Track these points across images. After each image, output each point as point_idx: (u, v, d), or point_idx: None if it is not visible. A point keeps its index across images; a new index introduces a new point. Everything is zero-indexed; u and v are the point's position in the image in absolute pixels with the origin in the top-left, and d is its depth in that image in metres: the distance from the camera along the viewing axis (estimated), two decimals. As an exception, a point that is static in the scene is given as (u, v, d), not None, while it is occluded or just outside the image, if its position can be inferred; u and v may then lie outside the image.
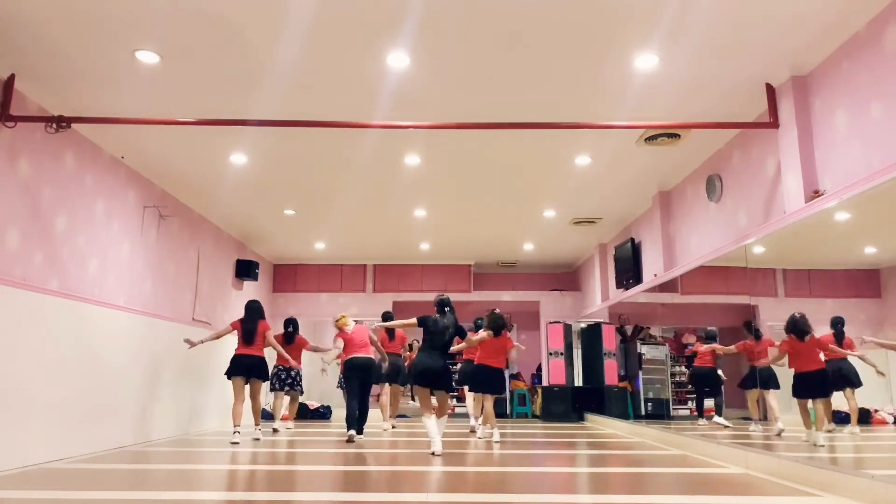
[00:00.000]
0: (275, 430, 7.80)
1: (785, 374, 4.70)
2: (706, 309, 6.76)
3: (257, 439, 6.73)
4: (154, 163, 6.41)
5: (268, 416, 10.45)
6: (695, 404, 6.88)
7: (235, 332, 6.88)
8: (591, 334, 10.26)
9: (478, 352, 6.95)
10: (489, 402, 6.90)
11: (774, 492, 3.61)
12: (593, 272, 10.67)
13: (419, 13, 3.92)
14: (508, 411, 11.49)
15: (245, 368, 6.69)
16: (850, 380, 4.06)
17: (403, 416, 10.80)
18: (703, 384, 6.56)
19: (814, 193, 4.38)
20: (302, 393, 8.54)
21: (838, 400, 4.18)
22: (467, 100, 5.09)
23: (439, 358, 5.67)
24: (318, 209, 8.17)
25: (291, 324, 8.27)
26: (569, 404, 10.25)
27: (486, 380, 6.85)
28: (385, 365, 7.93)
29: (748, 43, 4.24)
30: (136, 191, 6.52)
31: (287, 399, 8.52)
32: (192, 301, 7.84)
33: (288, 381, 8.23)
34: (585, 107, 5.20)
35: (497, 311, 6.98)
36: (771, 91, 4.82)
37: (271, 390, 8.31)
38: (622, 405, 8.82)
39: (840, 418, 4.17)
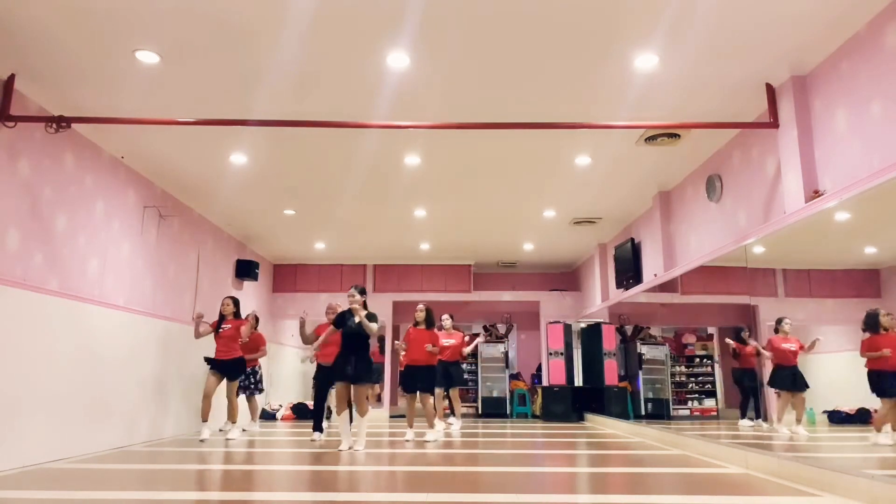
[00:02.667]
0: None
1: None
2: (706, 309, 6.76)
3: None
4: (154, 163, 6.41)
5: (270, 416, 10.47)
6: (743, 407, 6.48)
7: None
8: (591, 334, 10.26)
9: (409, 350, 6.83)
10: (427, 400, 6.75)
11: (774, 492, 3.61)
12: (593, 272, 10.67)
13: (419, 13, 3.92)
14: (508, 411, 11.49)
15: None
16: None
17: (400, 416, 10.81)
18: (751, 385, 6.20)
19: (814, 193, 4.38)
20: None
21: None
22: (467, 100, 5.09)
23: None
24: (318, 209, 8.17)
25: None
26: (569, 404, 10.24)
27: (415, 378, 6.76)
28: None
29: (748, 43, 4.24)
30: (136, 191, 6.52)
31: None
32: (192, 301, 7.84)
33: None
34: (585, 107, 5.20)
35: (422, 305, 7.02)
36: (771, 91, 4.82)
37: (251, 393, 8.13)
38: (622, 405, 8.82)
39: (840, 418, 4.17)
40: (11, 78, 4.63)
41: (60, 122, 4.93)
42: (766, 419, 5.56)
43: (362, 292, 6.01)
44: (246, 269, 9.62)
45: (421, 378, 6.72)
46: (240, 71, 4.63)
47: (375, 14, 3.93)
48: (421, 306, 6.97)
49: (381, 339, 12.75)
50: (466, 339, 8.27)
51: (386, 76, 4.70)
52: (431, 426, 6.71)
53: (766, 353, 5.15)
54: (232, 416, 7.01)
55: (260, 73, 4.67)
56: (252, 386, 8.07)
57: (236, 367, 6.92)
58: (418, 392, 6.78)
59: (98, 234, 5.83)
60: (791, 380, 4.87)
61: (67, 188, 5.37)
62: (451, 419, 8.31)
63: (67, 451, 5.22)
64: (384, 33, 4.15)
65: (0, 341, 4.49)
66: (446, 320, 8.18)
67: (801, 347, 4.79)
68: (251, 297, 10.24)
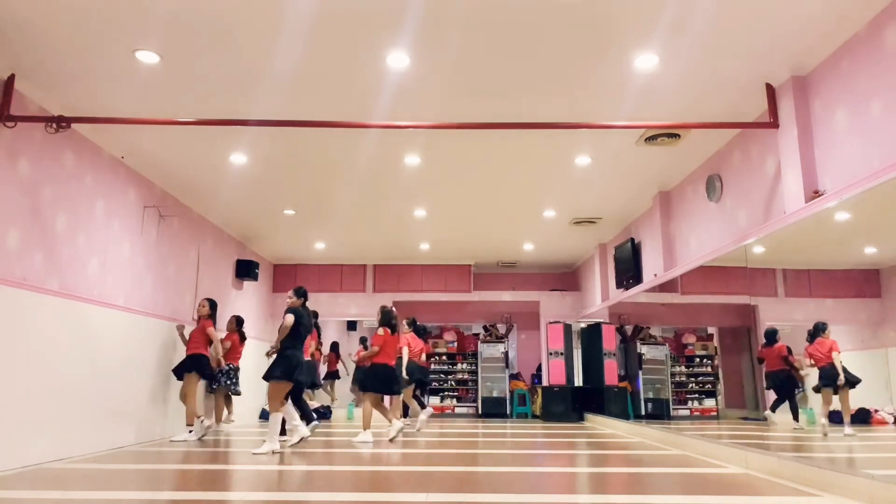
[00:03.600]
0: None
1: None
2: (706, 309, 6.76)
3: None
4: (154, 163, 6.41)
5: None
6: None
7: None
8: (591, 334, 10.26)
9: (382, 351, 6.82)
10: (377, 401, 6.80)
11: (774, 492, 3.61)
12: (593, 272, 10.67)
13: (419, 13, 3.92)
14: (508, 411, 11.49)
15: None
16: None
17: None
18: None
19: (814, 193, 4.38)
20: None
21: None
22: (467, 100, 5.09)
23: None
24: (318, 209, 8.17)
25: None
26: (569, 404, 10.25)
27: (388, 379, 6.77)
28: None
29: (748, 43, 4.24)
30: (136, 191, 6.53)
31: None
32: (192, 301, 7.84)
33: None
34: (586, 107, 5.20)
35: (387, 306, 6.95)
36: (771, 91, 4.82)
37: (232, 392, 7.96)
38: (622, 405, 8.82)
39: (840, 418, 4.17)
40: (11, 78, 4.63)
41: (60, 122, 4.93)
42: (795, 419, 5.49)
43: (298, 294, 6.00)
44: (246, 269, 9.62)
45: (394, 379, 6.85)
46: (240, 71, 4.63)
47: (375, 14, 3.93)
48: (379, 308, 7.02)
49: (363, 340, 12.83)
50: (405, 344, 8.18)
51: (386, 76, 4.70)
52: (364, 427, 6.68)
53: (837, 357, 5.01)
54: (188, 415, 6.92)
55: (260, 73, 4.67)
56: (223, 384, 7.90)
57: (188, 364, 6.91)
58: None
59: (98, 233, 5.83)
60: (829, 380, 4.80)
61: (67, 188, 5.37)
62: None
63: (67, 451, 5.22)
64: (384, 33, 4.15)
65: (0, 341, 4.49)
66: (403, 325, 8.30)
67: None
68: (251, 296, 10.24)
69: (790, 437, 4.90)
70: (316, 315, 7.55)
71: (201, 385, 7.32)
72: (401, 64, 4.52)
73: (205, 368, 7.01)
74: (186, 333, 7.23)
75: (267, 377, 5.68)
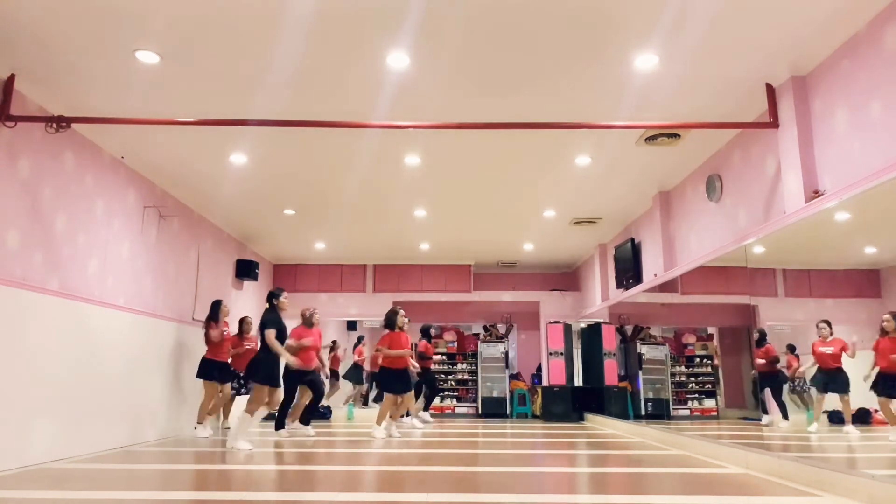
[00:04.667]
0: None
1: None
2: (706, 309, 6.76)
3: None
4: (154, 163, 6.41)
5: (272, 415, 10.43)
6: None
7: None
8: (591, 334, 10.26)
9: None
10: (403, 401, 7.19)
11: (774, 492, 3.61)
12: (593, 272, 10.67)
13: (419, 13, 3.92)
14: (508, 411, 11.50)
15: None
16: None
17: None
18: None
19: (814, 193, 4.38)
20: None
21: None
22: (467, 100, 5.09)
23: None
24: (318, 209, 8.17)
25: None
26: (569, 404, 10.25)
27: (394, 380, 7.14)
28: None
29: (748, 43, 4.24)
30: (136, 191, 6.52)
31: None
32: (192, 301, 7.84)
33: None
34: (585, 107, 5.20)
35: (395, 308, 7.27)
36: (771, 91, 4.82)
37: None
38: (622, 405, 8.82)
39: (840, 419, 4.17)
40: (11, 78, 4.63)
41: (60, 122, 4.92)
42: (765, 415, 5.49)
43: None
44: (246, 269, 9.62)
45: (402, 380, 7.16)
46: (240, 71, 4.63)
47: (375, 14, 3.93)
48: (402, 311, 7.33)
49: (360, 339, 12.83)
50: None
51: (386, 76, 4.70)
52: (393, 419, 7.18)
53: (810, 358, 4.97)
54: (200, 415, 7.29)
55: (260, 73, 4.67)
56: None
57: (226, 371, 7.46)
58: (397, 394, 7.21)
59: (98, 233, 5.83)
60: (824, 382, 4.75)
61: (67, 188, 5.37)
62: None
63: (67, 451, 5.22)
64: (384, 33, 4.15)
65: (0, 341, 4.49)
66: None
67: (844, 349, 4.64)
68: (251, 297, 10.24)
69: (788, 437, 4.89)
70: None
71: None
72: (401, 64, 4.52)
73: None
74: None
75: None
